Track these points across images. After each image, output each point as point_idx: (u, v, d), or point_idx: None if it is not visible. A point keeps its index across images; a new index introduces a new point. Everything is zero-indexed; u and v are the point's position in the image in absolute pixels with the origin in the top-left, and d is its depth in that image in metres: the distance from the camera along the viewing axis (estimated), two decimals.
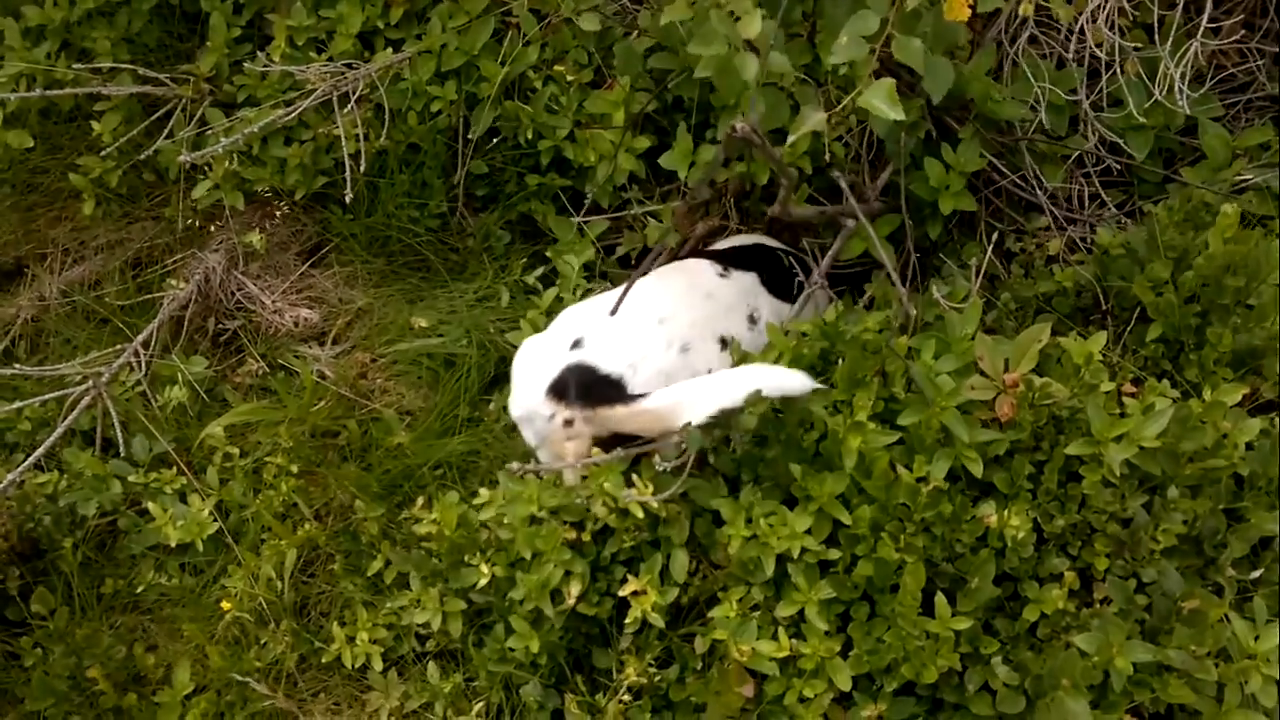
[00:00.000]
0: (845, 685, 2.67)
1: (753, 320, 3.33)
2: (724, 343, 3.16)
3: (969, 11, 2.81)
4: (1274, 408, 2.82)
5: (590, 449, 2.96)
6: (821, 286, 3.40)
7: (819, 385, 2.82)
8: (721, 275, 3.38)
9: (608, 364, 2.98)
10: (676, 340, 3.08)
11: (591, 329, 3.06)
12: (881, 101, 2.69)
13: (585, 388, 2.94)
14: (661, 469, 2.95)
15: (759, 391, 2.75)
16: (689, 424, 2.80)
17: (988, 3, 3.10)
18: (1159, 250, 2.95)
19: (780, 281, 3.47)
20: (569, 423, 2.96)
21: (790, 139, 2.82)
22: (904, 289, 3.16)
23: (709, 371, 3.06)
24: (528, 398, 3.02)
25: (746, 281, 3.41)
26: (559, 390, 2.95)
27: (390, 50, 3.96)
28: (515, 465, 2.98)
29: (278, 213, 4.05)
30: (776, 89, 3.17)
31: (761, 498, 2.82)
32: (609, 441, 2.98)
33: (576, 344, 3.01)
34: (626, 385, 2.96)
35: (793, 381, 2.81)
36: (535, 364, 3.04)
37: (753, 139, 2.83)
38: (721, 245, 3.70)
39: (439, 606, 3.04)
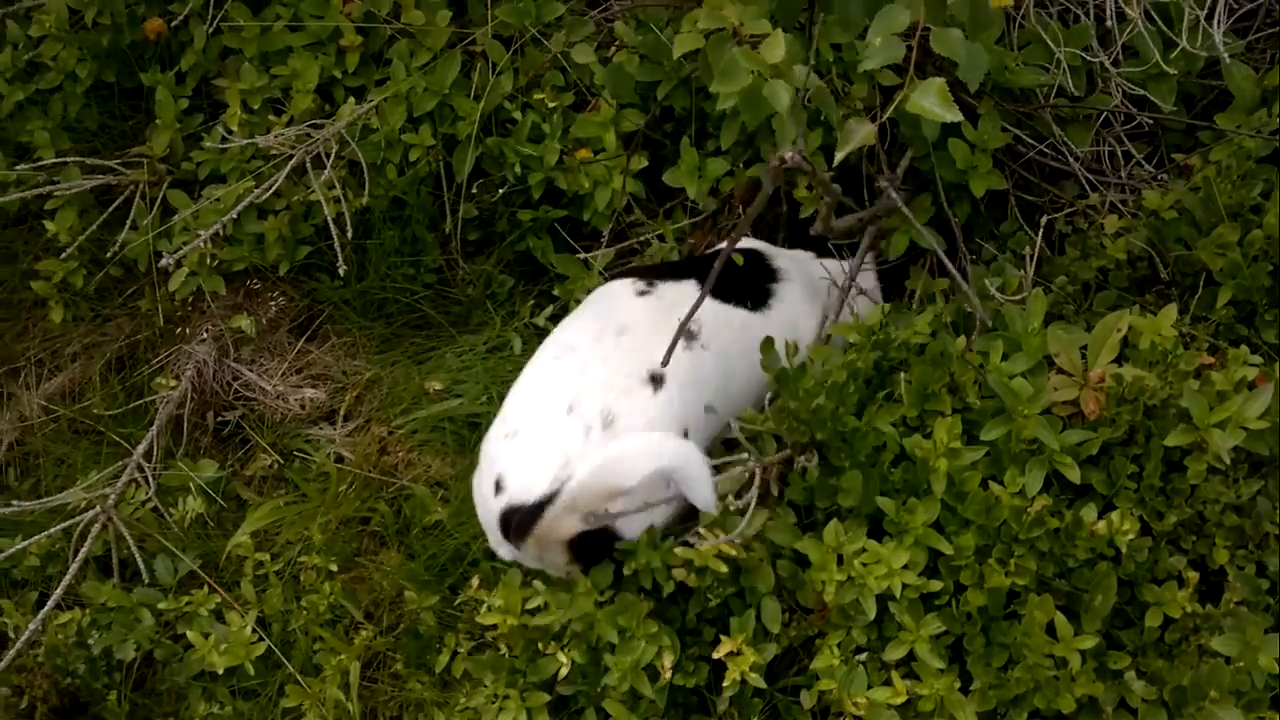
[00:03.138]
0: None
1: (690, 334, 2.87)
2: (655, 380, 2.81)
3: None
4: None
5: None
6: (859, 290, 3.23)
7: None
8: (643, 293, 3.02)
9: (536, 490, 2.65)
10: (595, 418, 2.73)
11: (504, 461, 2.74)
12: (934, 104, 2.47)
13: (524, 526, 2.67)
14: (733, 508, 2.77)
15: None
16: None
17: None
18: (1218, 210, 2.80)
19: (734, 282, 3.05)
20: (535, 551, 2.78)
21: (838, 156, 2.61)
22: (966, 284, 2.96)
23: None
24: (499, 547, 2.85)
25: (675, 293, 3.00)
26: (510, 535, 2.71)
27: (352, 100, 3.71)
28: None
29: (264, 291, 3.81)
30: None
31: (846, 532, 2.66)
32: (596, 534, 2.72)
33: (499, 487, 2.72)
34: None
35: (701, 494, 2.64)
36: (482, 514, 2.84)
37: (803, 167, 2.63)
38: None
39: (521, 704, 2.84)
